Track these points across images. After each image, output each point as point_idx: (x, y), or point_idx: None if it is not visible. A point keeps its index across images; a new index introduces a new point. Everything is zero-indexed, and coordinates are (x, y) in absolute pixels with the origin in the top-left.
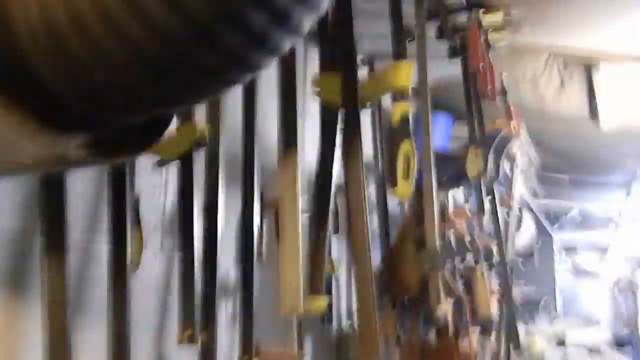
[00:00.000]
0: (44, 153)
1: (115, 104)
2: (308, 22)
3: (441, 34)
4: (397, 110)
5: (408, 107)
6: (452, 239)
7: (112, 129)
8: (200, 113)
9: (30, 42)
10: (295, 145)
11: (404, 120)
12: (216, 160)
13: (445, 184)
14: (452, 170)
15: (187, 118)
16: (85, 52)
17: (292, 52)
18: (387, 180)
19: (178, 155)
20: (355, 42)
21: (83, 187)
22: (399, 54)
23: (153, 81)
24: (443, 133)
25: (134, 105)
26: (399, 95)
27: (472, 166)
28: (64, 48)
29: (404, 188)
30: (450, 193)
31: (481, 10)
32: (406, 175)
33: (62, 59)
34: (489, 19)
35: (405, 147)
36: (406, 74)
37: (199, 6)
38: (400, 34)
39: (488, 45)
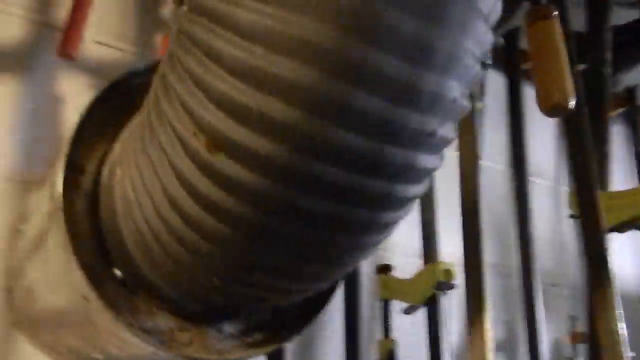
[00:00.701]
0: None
1: (209, 300)
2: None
3: None
4: None
5: None
6: None
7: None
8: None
9: (135, 250)
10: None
11: None
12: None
13: None
14: None
15: (430, 258)
16: (164, 259)
17: None
18: None
19: (423, 300)
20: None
21: None
22: None
23: (225, 274)
24: None
25: (232, 298)
26: None
27: None
28: (150, 254)
29: None
30: None
31: None
32: None
33: (151, 263)
34: None
35: None
36: None
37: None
38: None
39: None
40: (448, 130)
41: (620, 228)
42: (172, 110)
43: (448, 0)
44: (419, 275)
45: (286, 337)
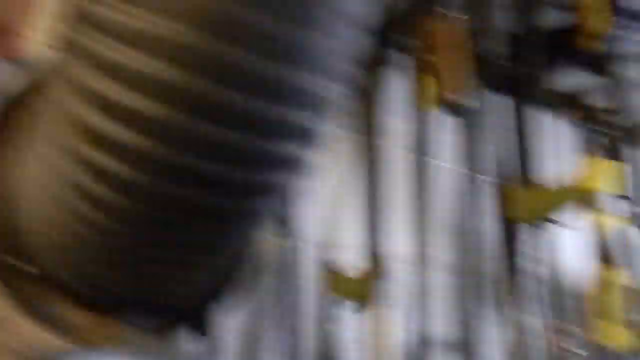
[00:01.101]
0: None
1: (106, 287)
2: None
3: None
4: (602, 225)
5: (615, 223)
6: None
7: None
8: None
9: (30, 236)
10: None
11: (610, 241)
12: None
13: None
14: None
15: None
16: (50, 245)
17: None
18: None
19: (366, 297)
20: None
21: None
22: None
23: (117, 262)
24: None
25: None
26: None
27: None
28: (38, 240)
29: (618, 336)
30: None
31: None
32: (620, 319)
33: (42, 250)
34: None
35: (613, 277)
36: (599, 174)
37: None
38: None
39: None
40: (314, 122)
41: (532, 220)
42: (56, 78)
43: (307, 2)
44: (362, 272)
45: (185, 326)
